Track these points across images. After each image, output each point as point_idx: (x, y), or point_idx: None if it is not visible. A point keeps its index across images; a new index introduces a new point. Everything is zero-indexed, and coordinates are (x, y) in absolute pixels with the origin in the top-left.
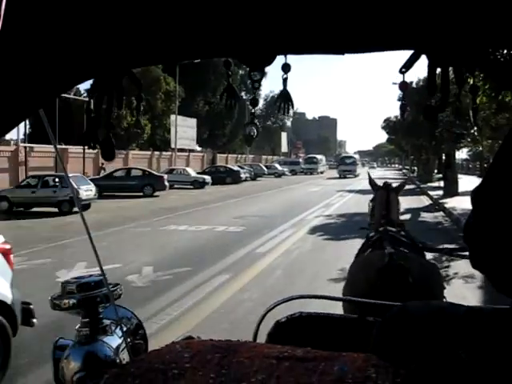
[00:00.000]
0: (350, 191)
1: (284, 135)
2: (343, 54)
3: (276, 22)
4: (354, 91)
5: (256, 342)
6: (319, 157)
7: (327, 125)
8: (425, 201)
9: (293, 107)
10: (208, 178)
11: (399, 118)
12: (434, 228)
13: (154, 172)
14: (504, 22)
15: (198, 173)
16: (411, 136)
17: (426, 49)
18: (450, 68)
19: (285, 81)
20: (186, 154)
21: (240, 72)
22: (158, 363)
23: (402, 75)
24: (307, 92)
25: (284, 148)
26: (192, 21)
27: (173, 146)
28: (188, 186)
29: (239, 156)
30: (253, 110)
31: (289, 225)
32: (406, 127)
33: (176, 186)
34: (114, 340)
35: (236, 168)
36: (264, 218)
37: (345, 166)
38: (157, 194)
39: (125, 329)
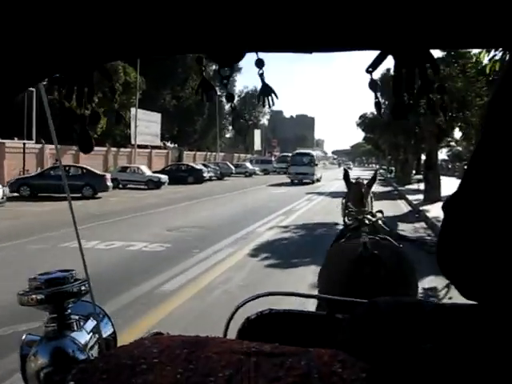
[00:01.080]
0: (321, 193)
1: (257, 133)
2: (311, 52)
3: (244, 20)
4: (332, 90)
5: (225, 338)
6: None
7: (305, 123)
8: (403, 206)
9: (277, 97)
10: (164, 178)
11: (375, 114)
12: (415, 245)
13: (94, 170)
14: (468, 22)
15: (157, 171)
16: (388, 134)
17: (391, 49)
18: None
19: (261, 76)
20: (148, 150)
21: (213, 67)
22: (126, 358)
23: (371, 75)
24: (285, 90)
25: (257, 146)
26: (162, 17)
27: (133, 142)
28: (142, 186)
29: (209, 154)
30: (232, 105)
31: (231, 240)
32: (383, 124)
33: (130, 186)
34: (83, 336)
35: (199, 166)
36: (204, 230)
37: (297, 168)
38: (100, 195)
39: (93, 324)
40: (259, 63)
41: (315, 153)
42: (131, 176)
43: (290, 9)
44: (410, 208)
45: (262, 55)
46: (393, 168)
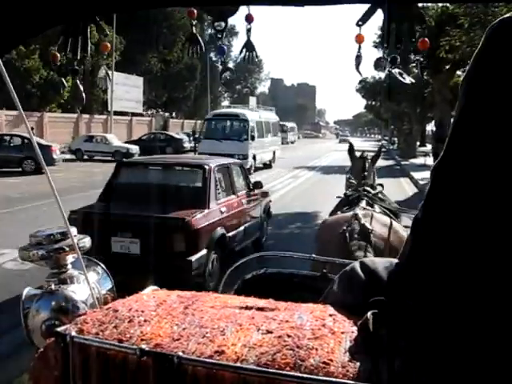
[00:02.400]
0: (312, 168)
1: (253, 100)
2: (303, 5)
3: None
4: (334, 57)
5: (219, 294)
6: (289, 124)
7: (306, 92)
8: (406, 188)
9: (257, 56)
10: (135, 148)
11: (377, 78)
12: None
13: (39, 140)
14: None
15: (131, 141)
16: (391, 101)
17: (380, 4)
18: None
19: (248, 31)
20: (128, 118)
21: (209, 31)
22: (124, 311)
23: (360, 28)
24: (285, 57)
25: None
26: None
27: (109, 108)
28: (108, 158)
29: (199, 122)
30: (222, 59)
31: None
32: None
33: (97, 157)
34: (82, 290)
35: (179, 136)
36: None
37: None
38: (49, 169)
39: (93, 280)
40: (248, 18)
41: (290, 124)
42: (96, 146)
43: None
44: (415, 189)
45: (258, 17)
46: (395, 139)
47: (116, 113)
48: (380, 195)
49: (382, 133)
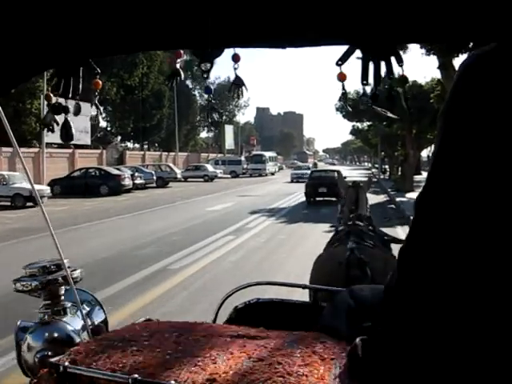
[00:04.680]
0: (275, 212)
1: (229, 129)
2: (284, 47)
3: (224, 19)
4: (322, 85)
5: (212, 323)
6: (268, 154)
7: (293, 120)
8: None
9: (247, 90)
10: (45, 191)
11: (359, 94)
12: None
13: None
14: (430, 18)
15: (56, 179)
16: (380, 121)
17: (359, 44)
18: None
19: (235, 70)
20: (69, 151)
21: (185, 57)
22: (117, 341)
23: (340, 67)
24: (272, 87)
25: (229, 144)
26: (146, 15)
27: (46, 139)
28: (5, 203)
29: (165, 154)
30: (210, 98)
31: None
32: (372, 111)
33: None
34: (75, 321)
35: (116, 171)
36: None
37: (253, 165)
38: None
39: (85, 311)
40: (235, 58)
41: (269, 154)
42: None
43: (264, 9)
44: None
45: (242, 52)
46: (386, 166)
47: (55, 145)
48: (370, 227)
49: (372, 160)
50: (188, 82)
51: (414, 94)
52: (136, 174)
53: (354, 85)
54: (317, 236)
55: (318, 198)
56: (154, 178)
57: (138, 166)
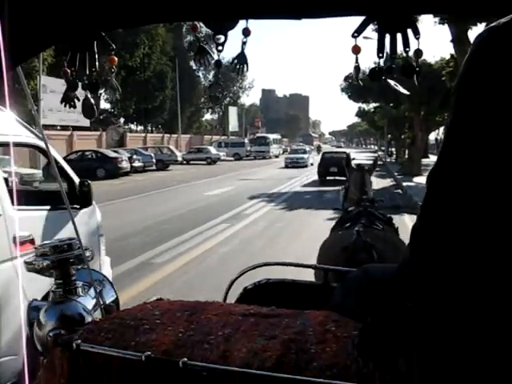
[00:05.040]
0: (276, 197)
1: (233, 110)
2: (300, 18)
3: None
4: (328, 67)
5: (222, 302)
6: (272, 136)
7: (299, 103)
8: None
9: (247, 69)
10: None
11: (365, 74)
12: None
13: None
14: None
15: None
16: (386, 102)
17: (376, 15)
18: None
19: (244, 44)
20: (68, 133)
21: (188, 37)
22: (129, 319)
23: (356, 40)
24: (278, 68)
25: (233, 126)
26: None
27: (42, 121)
28: None
29: (167, 136)
30: (218, 72)
31: None
32: (379, 90)
33: None
34: (87, 300)
35: (113, 154)
36: None
37: (257, 147)
38: None
39: (97, 290)
40: (245, 32)
41: (274, 136)
42: None
43: None
44: None
45: (253, 28)
46: (393, 149)
47: (52, 127)
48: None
49: (379, 143)
50: (192, 63)
51: (424, 74)
52: (134, 157)
53: (362, 62)
54: (318, 225)
55: (328, 178)
56: (154, 160)
57: (137, 149)
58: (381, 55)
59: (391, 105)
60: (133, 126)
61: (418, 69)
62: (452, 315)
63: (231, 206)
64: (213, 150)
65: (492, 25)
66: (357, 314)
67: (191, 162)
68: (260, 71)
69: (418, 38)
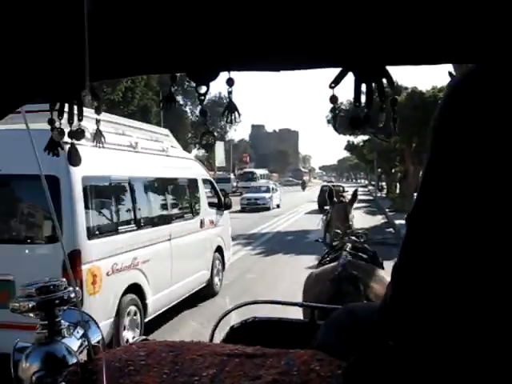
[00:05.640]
0: (253, 240)
1: (220, 146)
2: (278, 71)
3: (219, 44)
4: (317, 103)
5: (208, 342)
6: (259, 172)
7: (288, 138)
8: None
9: (239, 116)
10: None
11: (352, 103)
12: None
13: None
14: (419, 41)
15: None
16: (375, 132)
17: (352, 66)
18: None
19: (229, 93)
20: None
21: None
22: (114, 361)
23: (332, 90)
24: (267, 104)
25: (220, 162)
26: (142, 39)
27: None
28: None
29: None
30: (205, 121)
31: None
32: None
33: None
34: (73, 342)
35: None
36: None
37: (244, 183)
38: None
39: (82, 331)
40: (229, 82)
41: (261, 171)
42: None
43: (259, 32)
44: None
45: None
46: (383, 183)
47: None
48: (365, 245)
49: (369, 177)
50: (179, 98)
51: (415, 103)
52: None
53: (347, 94)
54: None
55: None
56: None
57: None
58: (357, 104)
59: (382, 136)
60: None
61: (395, 116)
62: (434, 354)
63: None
64: None
65: (466, 70)
66: (341, 353)
67: None
68: (249, 107)
69: (392, 88)
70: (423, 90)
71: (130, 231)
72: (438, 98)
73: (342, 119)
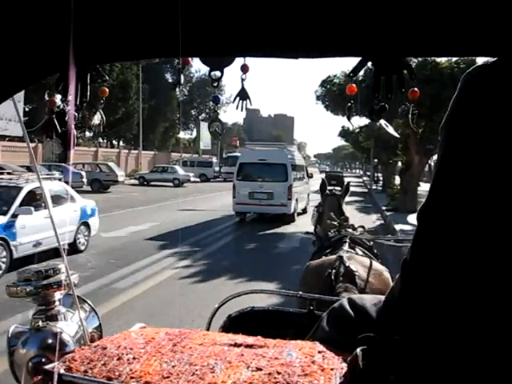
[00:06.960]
0: (205, 245)
1: (205, 126)
2: (297, 58)
3: (235, 28)
4: (313, 90)
5: (208, 331)
6: None
7: (283, 123)
8: None
9: (251, 103)
10: None
11: (347, 76)
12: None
13: None
14: (440, 32)
15: None
16: (371, 117)
17: (371, 57)
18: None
19: (243, 80)
20: None
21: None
22: (113, 348)
23: (352, 80)
24: (263, 88)
25: (205, 144)
26: (156, 22)
27: None
28: None
29: (127, 152)
30: (215, 108)
31: None
32: (363, 100)
33: None
34: (70, 327)
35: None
36: None
37: (228, 168)
38: None
39: (80, 316)
40: (244, 68)
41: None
42: None
43: (278, 17)
44: None
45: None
46: (379, 174)
47: None
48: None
49: (364, 168)
50: (167, 76)
51: (427, 75)
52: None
53: (341, 66)
54: None
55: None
56: (84, 180)
57: (63, 164)
58: (377, 95)
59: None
60: (102, 141)
61: (416, 111)
62: (441, 349)
63: (119, 263)
64: (180, 170)
65: (480, 63)
66: (342, 345)
67: (152, 184)
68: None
69: (413, 79)
70: (437, 60)
71: None
72: (455, 72)
73: (334, 94)
